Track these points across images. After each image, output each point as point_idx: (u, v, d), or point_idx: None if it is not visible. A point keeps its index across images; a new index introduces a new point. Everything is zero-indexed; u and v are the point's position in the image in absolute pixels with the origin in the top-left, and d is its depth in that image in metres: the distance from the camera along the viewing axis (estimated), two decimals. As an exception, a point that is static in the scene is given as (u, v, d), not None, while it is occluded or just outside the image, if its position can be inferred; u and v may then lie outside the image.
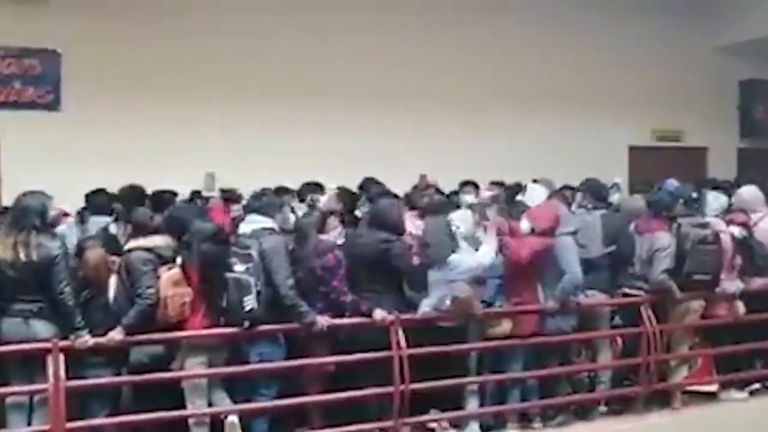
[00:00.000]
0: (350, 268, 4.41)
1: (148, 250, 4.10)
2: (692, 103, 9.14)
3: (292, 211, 5.17)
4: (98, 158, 6.53)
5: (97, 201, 5.10)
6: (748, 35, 8.89)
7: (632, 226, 5.22)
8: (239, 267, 4.07)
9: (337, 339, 4.39)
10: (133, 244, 4.16)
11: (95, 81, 6.69)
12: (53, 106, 6.78)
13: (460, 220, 4.64)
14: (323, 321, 4.21)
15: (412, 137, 7.76)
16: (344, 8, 7.52)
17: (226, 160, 6.85)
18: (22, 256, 3.80)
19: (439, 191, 6.08)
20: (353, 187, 5.73)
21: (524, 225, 4.73)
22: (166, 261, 4.12)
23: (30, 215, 3.91)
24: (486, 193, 5.89)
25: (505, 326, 4.64)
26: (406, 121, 7.79)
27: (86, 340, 3.86)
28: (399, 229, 4.55)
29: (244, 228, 4.34)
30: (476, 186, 6.38)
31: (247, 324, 4.07)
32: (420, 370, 4.35)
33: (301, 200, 5.37)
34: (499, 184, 6.50)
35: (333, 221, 4.66)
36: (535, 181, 6.38)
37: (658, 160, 8.95)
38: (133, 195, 4.87)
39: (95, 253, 4.06)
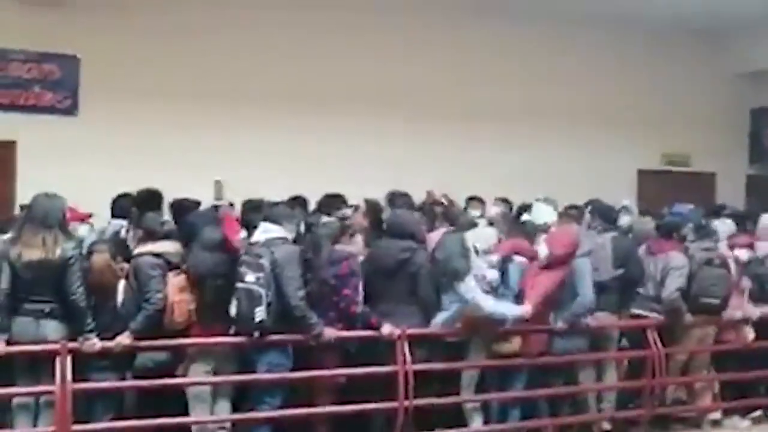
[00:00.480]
0: (372, 280, 4.43)
1: (157, 255, 4.13)
2: (703, 128, 9.13)
3: (308, 221, 5.19)
4: (114, 163, 6.59)
5: (120, 205, 5.12)
6: (763, 64, 8.90)
7: (643, 248, 5.23)
8: (250, 277, 4.07)
9: (347, 351, 4.40)
10: (141, 248, 4.19)
11: (113, 87, 6.77)
12: (71, 110, 6.87)
13: (480, 236, 4.66)
14: (331, 333, 4.23)
15: (418, 151, 7.77)
16: (358, 23, 7.59)
17: (241, 168, 6.88)
18: (49, 254, 3.85)
19: (445, 207, 6.09)
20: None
21: (543, 250, 4.70)
22: (174, 267, 4.15)
23: (54, 215, 3.98)
24: (493, 209, 5.90)
25: (514, 344, 4.63)
26: (413, 135, 7.82)
27: (94, 343, 3.89)
28: (418, 237, 4.56)
29: (258, 236, 4.35)
30: (482, 201, 6.40)
31: (257, 334, 4.07)
32: (427, 385, 4.36)
33: (320, 210, 5.38)
34: (504, 200, 6.53)
35: (358, 237, 4.70)
36: (537, 199, 6.41)
37: (666, 184, 8.95)
38: (150, 199, 4.90)
39: (100, 258, 4.09)
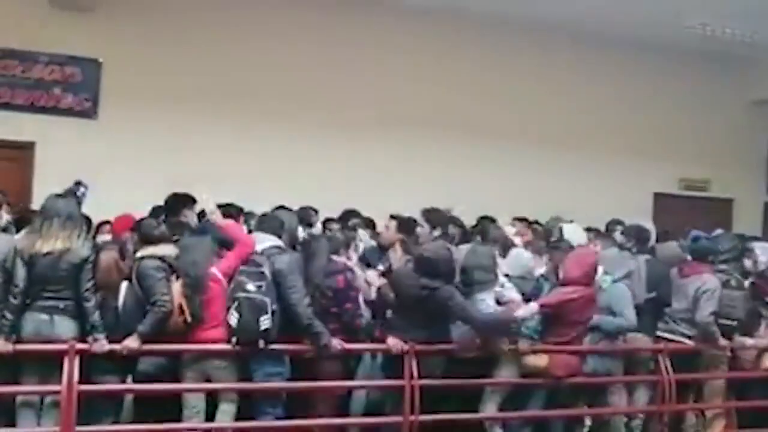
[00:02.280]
0: (394, 305, 4.44)
1: (159, 258, 4.12)
2: (721, 154, 9.09)
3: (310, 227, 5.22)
4: (131, 167, 6.64)
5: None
6: (782, 91, 8.88)
7: (675, 271, 5.18)
8: (250, 286, 4.05)
9: (346, 362, 4.38)
10: (143, 252, 4.16)
11: (133, 92, 6.83)
12: (90, 114, 6.92)
13: (514, 263, 4.72)
14: (337, 344, 4.21)
15: (432, 169, 7.77)
16: (383, 39, 7.66)
17: (260, 173, 6.90)
18: (72, 248, 3.89)
19: (460, 225, 6.08)
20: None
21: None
22: (174, 270, 4.13)
23: (76, 215, 4.06)
24: (512, 229, 5.89)
25: (543, 359, 4.58)
26: (429, 153, 7.82)
27: (103, 344, 3.89)
28: (444, 273, 4.35)
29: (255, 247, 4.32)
30: (493, 221, 6.39)
31: (261, 344, 4.05)
32: (442, 399, 4.32)
33: (343, 227, 5.40)
34: (522, 219, 6.52)
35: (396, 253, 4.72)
36: (553, 218, 6.39)
37: (682, 208, 8.88)
38: (175, 204, 4.92)
39: (107, 256, 4.13)
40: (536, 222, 6.42)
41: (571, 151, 8.37)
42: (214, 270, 4.14)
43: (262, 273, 4.09)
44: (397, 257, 4.82)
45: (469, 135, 7.95)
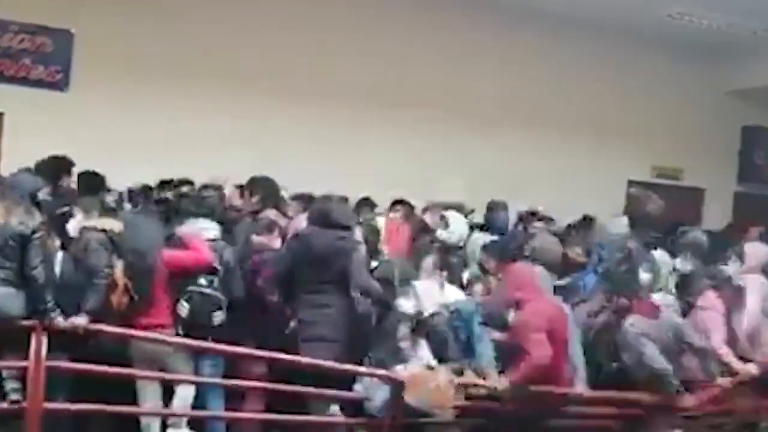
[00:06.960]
0: (302, 269, 4.17)
1: (102, 231, 4.00)
2: (694, 143, 9.19)
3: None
4: (101, 141, 6.52)
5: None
6: (758, 82, 8.96)
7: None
8: (202, 280, 4.04)
9: None
10: (87, 222, 4.05)
11: (105, 65, 6.70)
12: (61, 86, 6.79)
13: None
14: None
15: (407, 150, 7.75)
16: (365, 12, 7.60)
17: (232, 152, 6.81)
18: (13, 223, 3.77)
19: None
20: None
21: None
22: (116, 246, 3.99)
23: (25, 188, 3.96)
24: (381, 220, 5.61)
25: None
26: (405, 133, 7.80)
27: (59, 322, 3.77)
28: (349, 226, 4.34)
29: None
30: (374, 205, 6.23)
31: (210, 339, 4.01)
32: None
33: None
34: (400, 201, 6.03)
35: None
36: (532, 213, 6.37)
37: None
38: (90, 182, 4.78)
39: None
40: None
41: (545, 137, 8.40)
42: (163, 254, 4.07)
43: (214, 267, 4.07)
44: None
45: (443, 117, 7.92)
